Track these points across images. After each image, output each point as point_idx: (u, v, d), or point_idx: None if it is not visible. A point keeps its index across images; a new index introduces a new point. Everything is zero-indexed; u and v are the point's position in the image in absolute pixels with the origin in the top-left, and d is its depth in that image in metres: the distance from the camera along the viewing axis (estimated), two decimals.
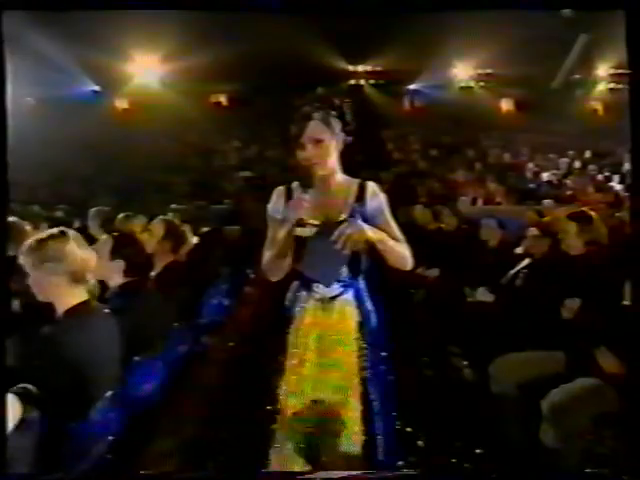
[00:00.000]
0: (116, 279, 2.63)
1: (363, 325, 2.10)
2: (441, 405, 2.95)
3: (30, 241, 2.05)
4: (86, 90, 12.34)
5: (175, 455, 2.58)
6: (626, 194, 9.12)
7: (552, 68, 11.48)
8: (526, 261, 3.40)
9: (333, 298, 2.11)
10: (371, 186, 2.16)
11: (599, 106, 12.47)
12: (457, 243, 4.64)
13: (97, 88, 12.36)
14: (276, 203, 2.16)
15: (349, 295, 2.13)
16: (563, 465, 2.13)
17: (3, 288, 2.01)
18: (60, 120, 10.59)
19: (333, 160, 2.13)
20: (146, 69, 11.73)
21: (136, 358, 2.30)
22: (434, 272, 4.65)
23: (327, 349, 2.06)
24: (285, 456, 2.03)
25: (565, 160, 10.65)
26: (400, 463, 2.09)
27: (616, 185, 9.80)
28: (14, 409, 1.70)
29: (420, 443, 2.64)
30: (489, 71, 12.58)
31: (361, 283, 2.16)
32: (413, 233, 2.72)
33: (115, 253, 2.61)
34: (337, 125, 2.09)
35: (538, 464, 2.33)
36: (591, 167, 10.54)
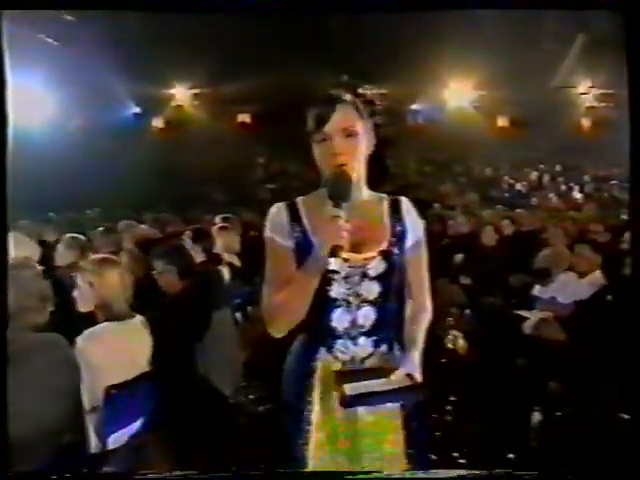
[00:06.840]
0: None
1: None
2: None
3: None
4: (128, 113, 13.57)
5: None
6: (582, 202, 11.02)
7: (540, 88, 12.28)
8: (446, 240, 5.54)
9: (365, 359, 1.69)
10: (406, 204, 1.77)
11: (578, 124, 13.05)
12: None
13: (138, 110, 13.61)
14: (278, 224, 1.68)
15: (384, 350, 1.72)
16: None
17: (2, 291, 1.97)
18: (106, 140, 11.55)
19: (362, 163, 1.67)
20: (182, 92, 13.18)
21: None
22: None
23: None
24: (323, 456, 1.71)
25: (536, 173, 12.50)
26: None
27: (577, 194, 11.67)
28: None
29: None
30: (482, 92, 14.07)
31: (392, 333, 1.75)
32: None
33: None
34: (368, 118, 1.66)
35: None
36: (559, 179, 12.40)
